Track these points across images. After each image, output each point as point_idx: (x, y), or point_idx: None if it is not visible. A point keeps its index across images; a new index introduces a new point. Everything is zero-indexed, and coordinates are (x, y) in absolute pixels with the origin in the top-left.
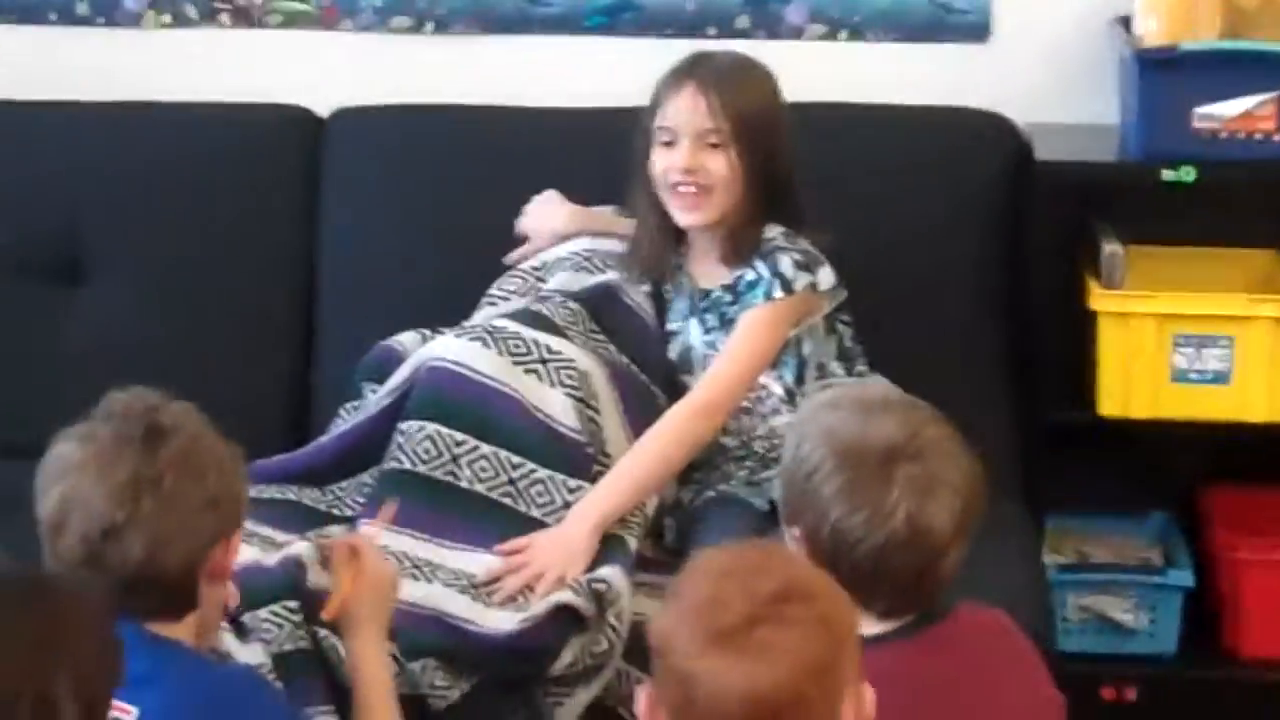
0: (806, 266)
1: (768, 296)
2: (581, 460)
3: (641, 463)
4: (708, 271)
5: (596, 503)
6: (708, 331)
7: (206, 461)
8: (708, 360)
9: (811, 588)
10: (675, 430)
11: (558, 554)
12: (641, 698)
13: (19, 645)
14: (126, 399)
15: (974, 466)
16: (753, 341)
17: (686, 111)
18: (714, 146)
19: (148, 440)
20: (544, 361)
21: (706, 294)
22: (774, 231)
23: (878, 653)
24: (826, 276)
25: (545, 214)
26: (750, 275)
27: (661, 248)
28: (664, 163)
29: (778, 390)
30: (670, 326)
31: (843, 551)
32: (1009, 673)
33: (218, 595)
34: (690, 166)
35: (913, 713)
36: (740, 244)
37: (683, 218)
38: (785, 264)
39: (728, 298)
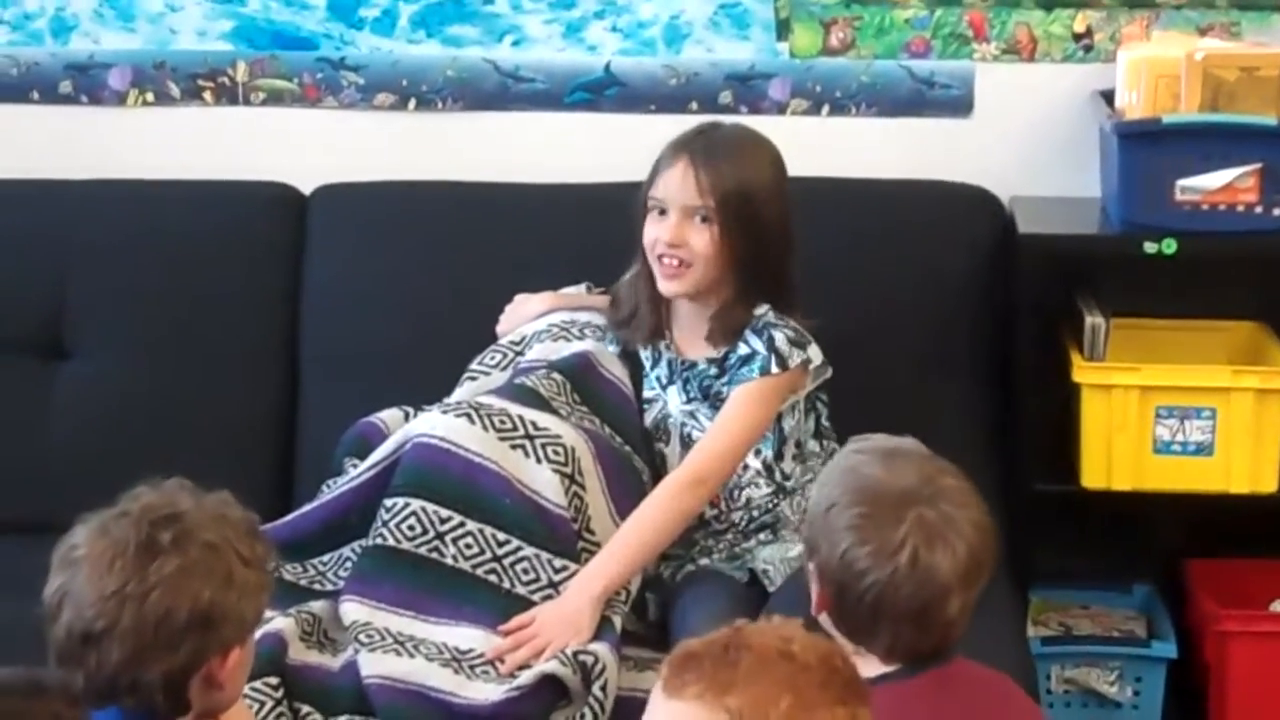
0: (799, 343)
1: (764, 371)
2: (567, 538)
3: (637, 534)
4: (692, 343)
5: (597, 574)
6: (689, 401)
7: (206, 579)
8: (685, 429)
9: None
10: (668, 502)
11: (563, 626)
12: None
13: None
14: (150, 497)
15: (986, 521)
16: (746, 415)
17: (676, 185)
18: (701, 221)
19: (145, 551)
20: (530, 437)
21: (690, 365)
22: (763, 309)
23: (876, 693)
24: (816, 353)
25: (520, 309)
26: (743, 350)
27: (651, 313)
28: (653, 233)
29: (755, 464)
30: (647, 393)
31: (849, 585)
32: None
33: (217, 700)
34: (674, 240)
35: None
36: (728, 322)
37: (663, 286)
38: (780, 340)
39: (713, 371)
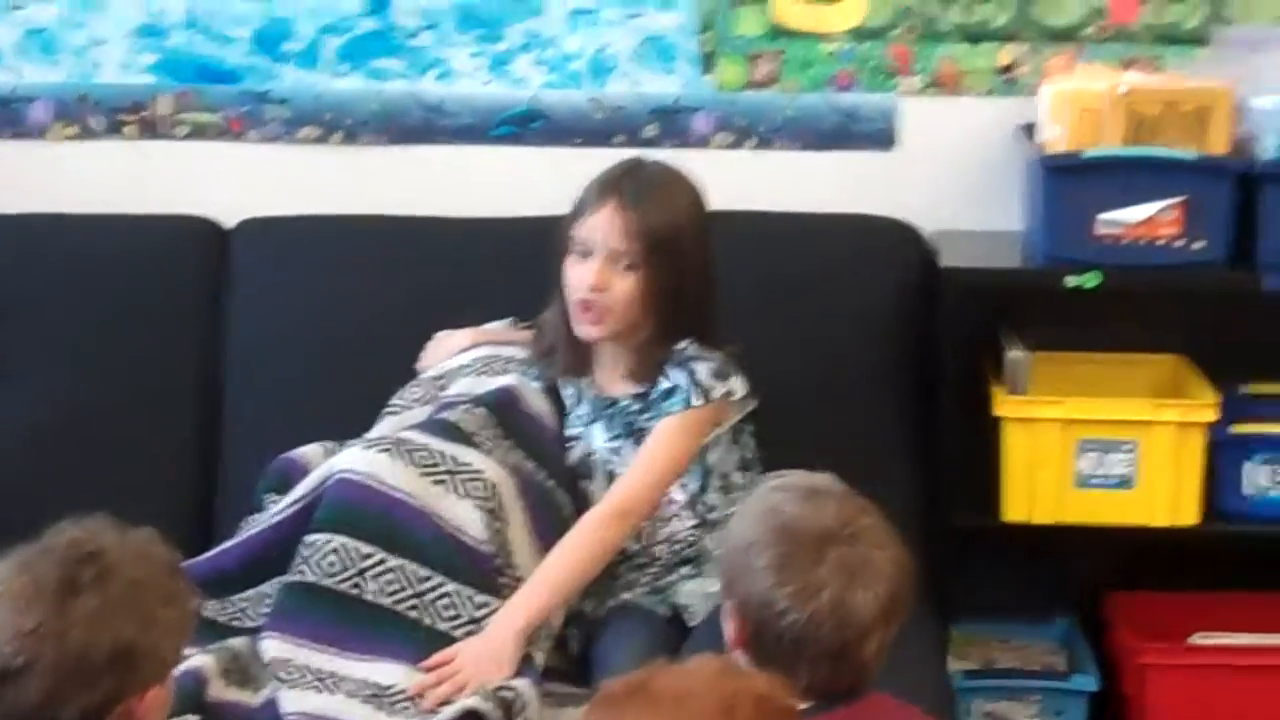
0: (723, 375)
1: (686, 404)
2: (488, 574)
3: (560, 569)
4: (613, 380)
5: (520, 609)
6: (613, 438)
7: (126, 616)
8: (609, 466)
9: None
10: (590, 536)
11: (485, 662)
12: None
13: None
14: (71, 535)
15: (906, 560)
16: (669, 448)
17: (603, 229)
18: (626, 268)
19: (65, 590)
20: (452, 473)
21: (612, 402)
22: (684, 343)
23: None
24: (740, 385)
25: (441, 344)
26: (665, 384)
27: (569, 350)
28: (575, 276)
29: (680, 498)
30: (570, 431)
31: (768, 623)
32: None
33: None
34: (597, 284)
35: None
36: (647, 359)
37: (582, 330)
38: (703, 372)
39: (635, 406)
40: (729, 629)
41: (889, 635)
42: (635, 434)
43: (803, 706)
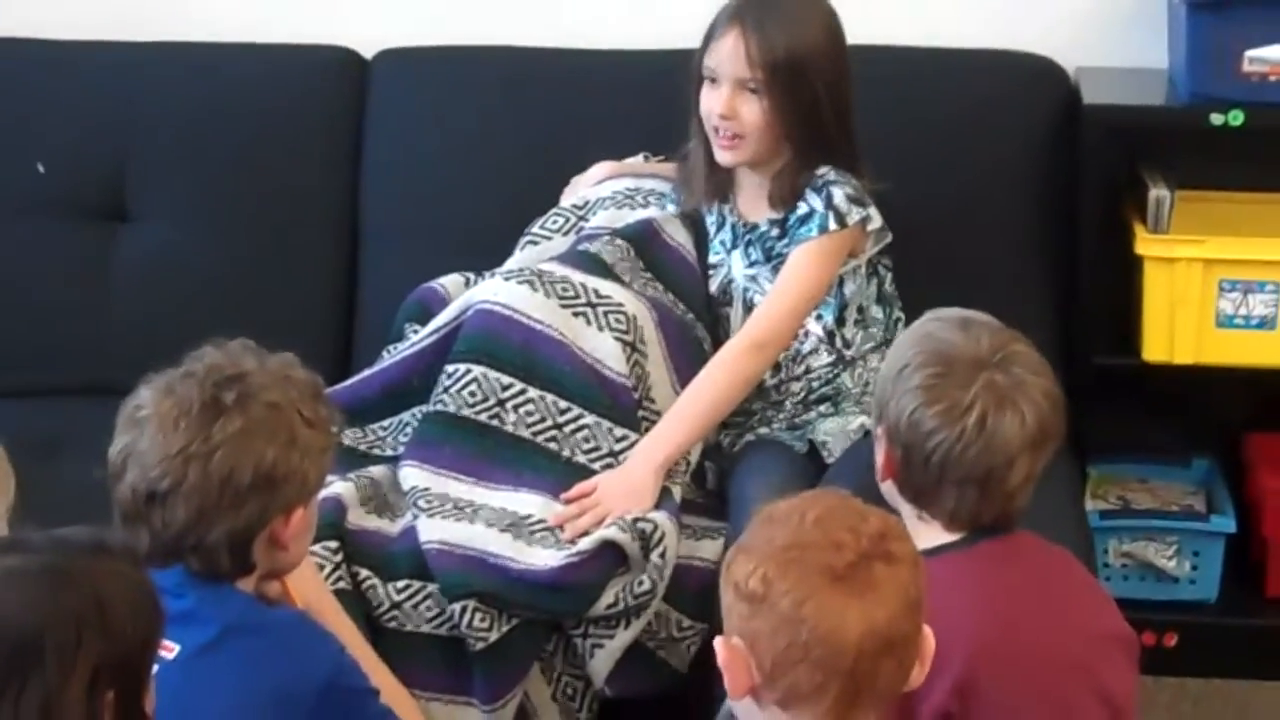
0: (859, 201)
1: (822, 229)
2: (627, 407)
3: (699, 402)
4: (755, 206)
5: (659, 443)
6: (750, 265)
7: (269, 437)
8: (748, 294)
9: (898, 528)
10: (729, 369)
11: (624, 495)
12: (721, 650)
13: (51, 621)
14: (215, 357)
15: (1056, 391)
16: (804, 275)
17: (728, 55)
18: (751, 92)
19: (209, 410)
20: (592, 305)
21: (753, 228)
22: (825, 168)
23: (936, 563)
24: (876, 215)
25: (581, 178)
26: (803, 209)
27: (711, 178)
28: (707, 103)
29: (817, 330)
30: (711, 259)
31: (916, 444)
32: (1075, 600)
33: (281, 561)
34: (725, 112)
35: (969, 618)
36: (788, 184)
37: (719, 156)
38: (839, 197)
39: (774, 233)
40: (879, 457)
41: (1036, 465)
42: (772, 260)
43: (950, 539)
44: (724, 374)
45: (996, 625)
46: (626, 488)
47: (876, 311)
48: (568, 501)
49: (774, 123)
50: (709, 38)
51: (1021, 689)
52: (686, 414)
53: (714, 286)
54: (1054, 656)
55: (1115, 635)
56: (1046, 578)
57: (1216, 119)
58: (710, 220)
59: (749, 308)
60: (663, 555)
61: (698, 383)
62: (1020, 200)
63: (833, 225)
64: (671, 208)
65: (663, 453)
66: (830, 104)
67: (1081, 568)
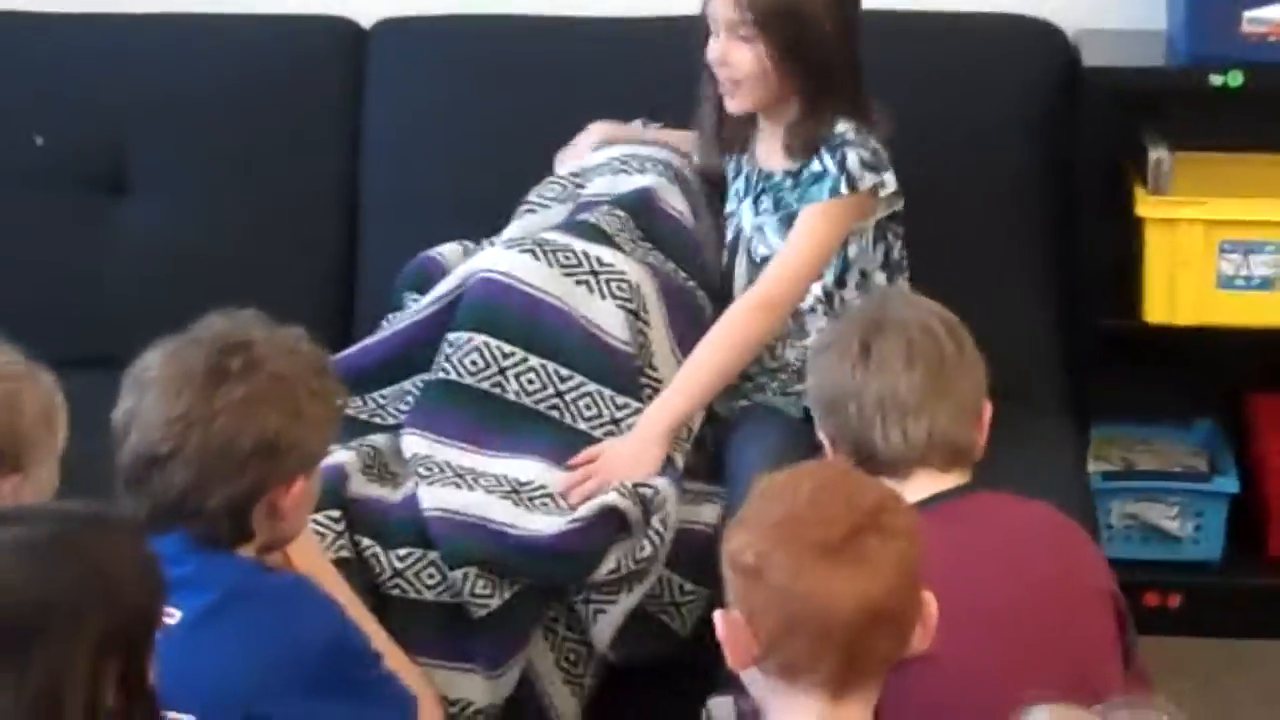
0: (874, 167)
1: (833, 192)
2: (630, 374)
3: (705, 368)
4: (771, 155)
5: (664, 410)
6: (758, 214)
7: (272, 407)
8: (752, 244)
9: (896, 499)
10: (736, 332)
11: (629, 462)
12: (721, 623)
13: (55, 592)
14: (221, 325)
15: (938, 320)
16: (812, 236)
17: (719, 2)
18: (743, 39)
19: (214, 376)
20: (595, 273)
21: (767, 176)
22: (845, 126)
23: None
24: (890, 180)
25: (576, 143)
26: (816, 167)
27: (727, 126)
28: (709, 52)
29: (816, 291)
30: (728, 208)
31: (834, 404)
32: (1042, 555)
33: (280, 530)
34: (719, 59)
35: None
36: (803, 136)
37: (726, 103)
38: (853, 160)
39: (788, 183)
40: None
41: (957, 401)
42: (781, 210)
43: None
44: (731, 337)
45: (940, 583)
46: (630, 454)
47: (880, 277)
48: (572, 468)
49: (771, 69)
50: None
51: (969, 646)
52: (693, 379)
53: (728, 235)
54: (1005, 613)
55: (1092, 590)
56: (1006, 534)
57: (1216, 80)
58: (730, 169)
59: (752, 259)
60: (664, 521)
61: (703, 346)
62: (1020, 163)
63: (844, 189)
64: (673, 184)
65: (668, 419)
66: (830, 52)
67: (1062, 522)
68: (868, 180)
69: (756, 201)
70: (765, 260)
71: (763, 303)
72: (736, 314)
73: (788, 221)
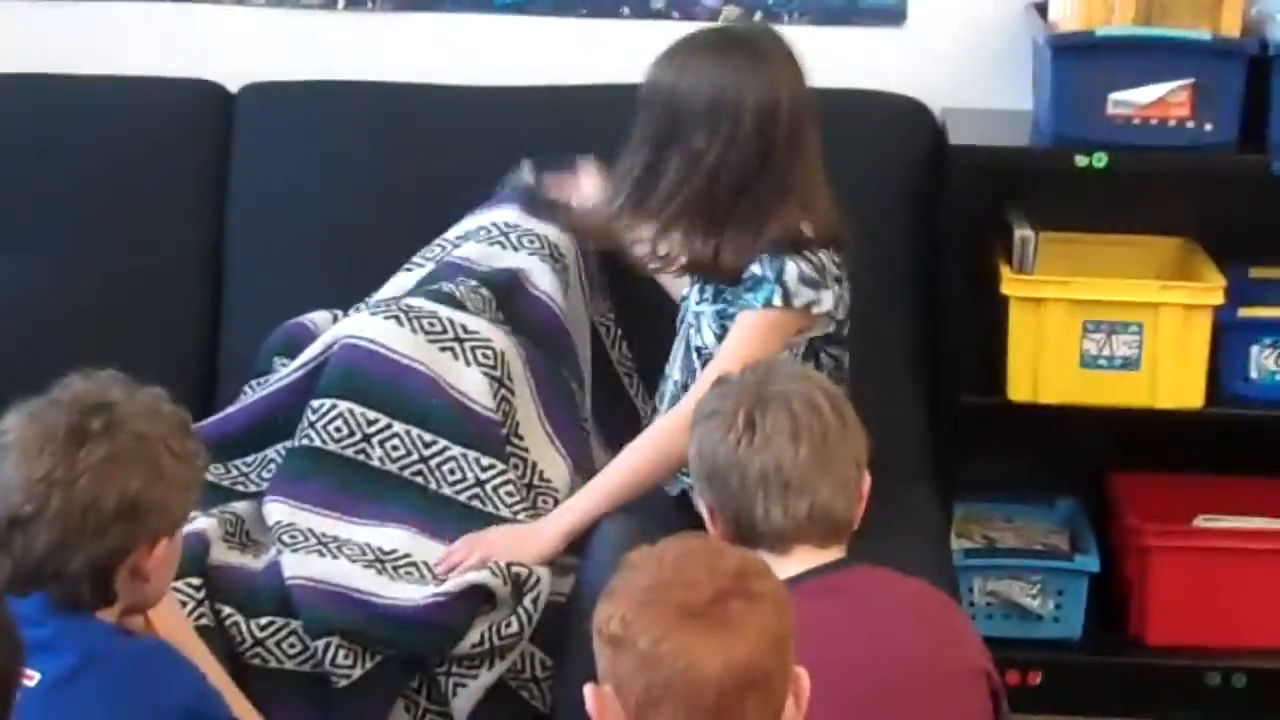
0: (813, 283)
1: (767, 303)
2: (495, 440)
3: (618, 478)
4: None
5: (570, 512)
6: (700, 300)
7: (135, 467)
8: (691, 331)
9: (760, 566)
10: (660, 442)
11: (515, 543)
12: (590, 698)
13: None
14: (82, 386)
15: (823, 395)
16: (748, 346)
17: None
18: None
19: (75, 437)
20: (459, 340)
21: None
22: (805, 226)
23: None
24: (827, 300)
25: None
26: (756, 270)
27: None
28: None
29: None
30: (684, 291)
31: (713, 473)
32: (916, 632)
33: (143, 593)
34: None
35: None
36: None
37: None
38: (791, 273)
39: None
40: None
41: (840, 476)
42: (720, 306)
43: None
44: (653, 448)
45: (815, 660)
46: (519, 537)
47: None
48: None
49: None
50: None
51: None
52: (602, 488)
53: (681, 308)
54: (880, 691)
55: (967, 668)
56: (883, 610)
57: (1081, 161)
58: None
59: (688, 345)
60: (534, 601)
61: (627, 453)
62: (887, 239)
63: (776, 301)
64: (535, 255)
65: (570, 520)
66: (751, 177)
67: (939, 600)
68: (802, 298)
69: (704, 286)
70: (699, 351)
71: (688, 420)
72: (666, 425)
73: (720, 319)
